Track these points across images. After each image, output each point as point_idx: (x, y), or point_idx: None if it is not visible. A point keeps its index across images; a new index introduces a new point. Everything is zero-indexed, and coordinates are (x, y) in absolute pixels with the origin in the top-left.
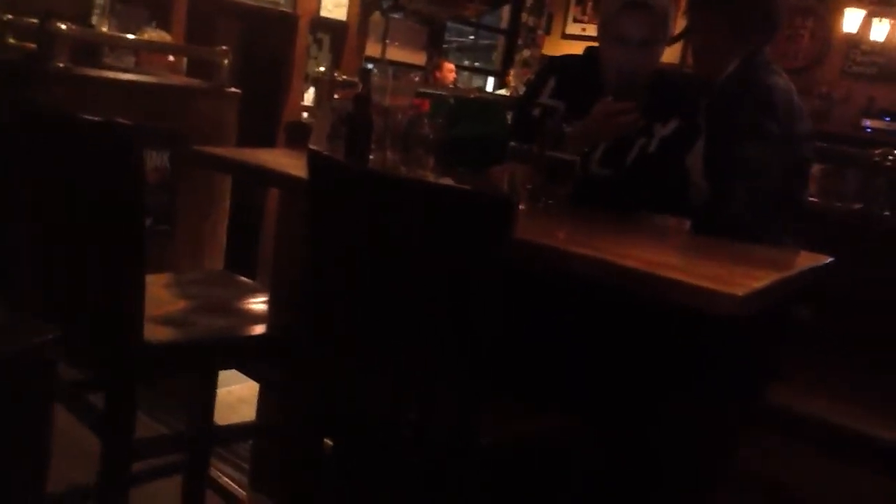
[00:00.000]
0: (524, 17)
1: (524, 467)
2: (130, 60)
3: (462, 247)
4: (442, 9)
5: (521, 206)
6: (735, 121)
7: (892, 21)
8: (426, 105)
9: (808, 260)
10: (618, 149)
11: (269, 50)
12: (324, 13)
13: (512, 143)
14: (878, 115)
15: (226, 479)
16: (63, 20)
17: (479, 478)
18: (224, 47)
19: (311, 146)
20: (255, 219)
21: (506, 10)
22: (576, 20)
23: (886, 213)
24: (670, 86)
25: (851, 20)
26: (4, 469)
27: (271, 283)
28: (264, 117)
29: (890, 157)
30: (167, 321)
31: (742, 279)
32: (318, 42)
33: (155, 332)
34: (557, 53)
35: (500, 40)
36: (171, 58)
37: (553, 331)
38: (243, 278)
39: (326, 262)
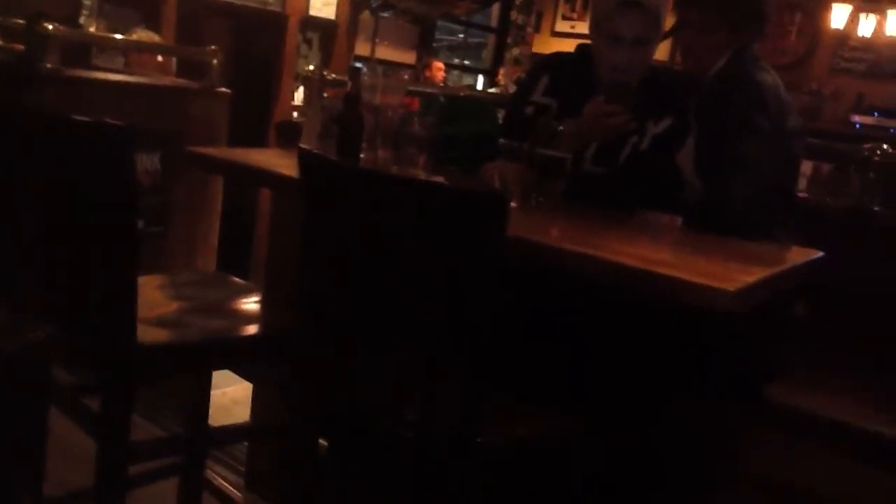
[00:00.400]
0: (513, 14)
1: (524, 468)
2: (120, 61)
3: (455, 244)
4: (431, 7)
5: (513, 204)
6: (725, 117)
7: (879, 16)
8: (416, 103)
9: (800, 255)
10: (611, 147)
11: (259, 50)
12: (313, 12)
13: (502, 141)
14: (867, 111)
15: (221, 481)
16: (51, 21)
17: (480, 478)
18: (214, 47)
19: (303, 145)
20: (247, 219)
21: (495, 9)
22: (565, 17)
23: (877, 208)
24: (663, 84)
25: (839, 16)
26: (3, 467)
27: (264, 283)
28: (255, 117)
29: (879, 152)
30: (161, 322)
31: (735, 274)
32: (308, 41)
33: (148, 334)
34: (547, 51)
35: (490, 38)
36: (160, 58)
37: (554, 331)
38: (236, 279)
39: (320, 262)
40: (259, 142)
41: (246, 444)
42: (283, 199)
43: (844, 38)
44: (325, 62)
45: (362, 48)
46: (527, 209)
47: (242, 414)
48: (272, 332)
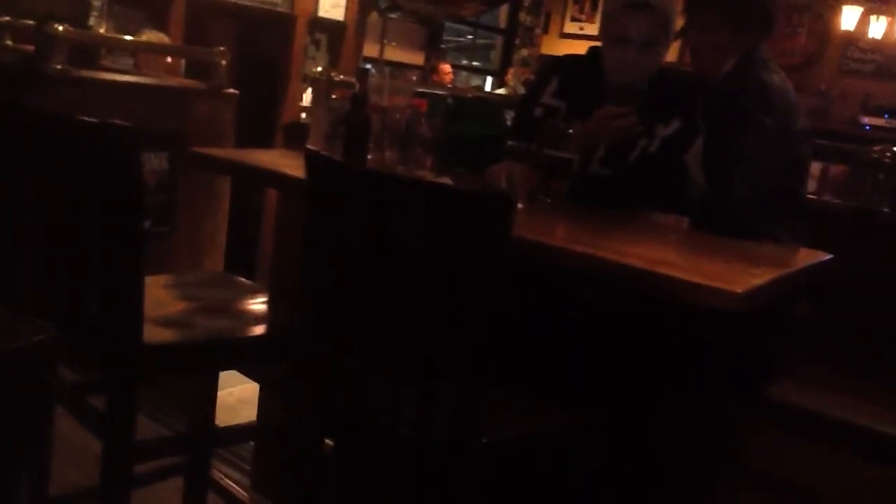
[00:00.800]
0: (522, 16)
1: (525, 465)
2: (128, 62)
3: (461, 245)
4: (440, 8)
5: (519, 205)
6: (733, 118)
7: (890, 18)
8: (424, 105)
9: (807, 257)
10: (619, 149)
11: (267, 50)
12: (321, 13)
13: (510, 142)
14: (876, 113)
15: (227, 481)
16: (60, 22)
17: (480, 476)
18: (222, 48)
19: (309, 146)
20: (254, 220)
21: (504, 10)
22: (573, 19)
23: (886, 209)
24: (671, 85)
25: (849, 17)
26: (4, 467)
27: (271, 283)
28: (262, 118)
29: (888, 154)
30: (167, 322)
31: (741, 276)
32: (316, 42)
33: (155, 334)
34: (555, 53)
35: (499, 40)
36: (168, 59)
37: (554, 328)
38: (243, 279)
39: (325, 262)
40: (266, 143)
41: (252, 444)
42: (290, 200)
43: (854, 40)
44: (333, 63)
45: (371, 49)
46: (533, 210)
47: (249, 414)
48: (278, 333)
